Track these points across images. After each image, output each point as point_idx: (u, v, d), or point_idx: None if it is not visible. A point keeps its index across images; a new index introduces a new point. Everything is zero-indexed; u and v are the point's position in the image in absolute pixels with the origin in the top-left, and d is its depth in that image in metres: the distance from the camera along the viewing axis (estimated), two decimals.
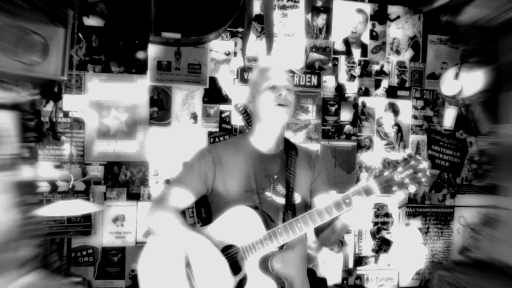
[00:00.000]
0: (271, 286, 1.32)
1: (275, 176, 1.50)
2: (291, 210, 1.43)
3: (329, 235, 1.47)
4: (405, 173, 1.22)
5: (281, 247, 1.34)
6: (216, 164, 1.47)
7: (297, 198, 1.50)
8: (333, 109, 2.88)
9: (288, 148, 1.58)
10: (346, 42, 2.89)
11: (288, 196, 1.46)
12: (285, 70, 1.57)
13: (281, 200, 1.46)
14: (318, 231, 1.53)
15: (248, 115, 2.70)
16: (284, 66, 1.63)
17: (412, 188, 1.22)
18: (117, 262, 2.60)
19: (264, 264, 1.34)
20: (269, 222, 1.37)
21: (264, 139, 1.53)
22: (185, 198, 1.46)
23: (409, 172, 1.22)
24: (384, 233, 2.94)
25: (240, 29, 2.71)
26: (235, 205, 1.39)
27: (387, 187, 1.23)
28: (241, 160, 1.49)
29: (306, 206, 1.54)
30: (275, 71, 1.51)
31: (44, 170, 2.46)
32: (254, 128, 1.57)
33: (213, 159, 1.48)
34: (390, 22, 2.95)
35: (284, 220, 1.38)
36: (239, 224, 1.37)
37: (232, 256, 1.35)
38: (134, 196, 2.61)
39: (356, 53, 2.91)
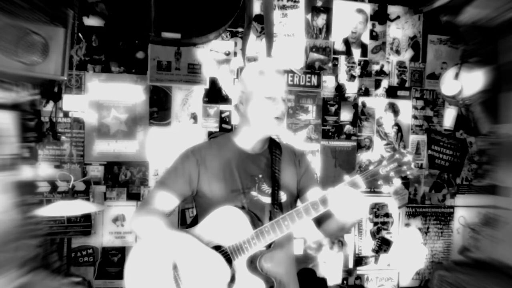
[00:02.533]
0: (260, 286, 1.31)
1: (260, 175, 1.48)
2: (278, 208, 1.42)
3: (334, 229, 1.42)
4: (389, 167, 1.22)
5: (269, 246, 1.33)
6: (200, 165, 1.46)
7: (283, 197, 1.48)
8: (333, 109, 2.88)
9: (273, 147, 1.56)
10: (346, 42, 2.89)
11: (274, 195, 1.45)
12: (283, 75, 1.51)
13: (267, 199, 1.45)
14: (319, 222, 1.49)
15: None
16: (282, 68, 1.58)
17: (398, 182, 1.23)
18: (117, 262, 2.60)
19: (253, 264, 1.33)
20: (256, 222, 1.36)
21: (250, 140, 1.51)
22: (169, 201, 1.44)
23: (394, 165, 1.22)
24: (384, 233, 2.94)
25: (240, 29, 2.71)
26: (221, 206, 1.37)
27: (372, 181, 1.23)
28: (226, 160, 1.48)
29: (293, 203, 1.53)
30: (274, 79, 1.45)
31: (44, 170, 2.46)
32: (239, 128, 1.54)
33: (197, 161, 1.46)
34: (390, 22, 2.95)
35: (271, 219, 1.37)
36: (226, 224, 1.35)
37: None
38: (134, 196, 2.61)
39: (356, 53, 2.91)
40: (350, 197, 1.22)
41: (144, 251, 1.44)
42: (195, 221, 1.53)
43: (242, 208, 1.38)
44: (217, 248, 1.34)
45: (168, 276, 1.36)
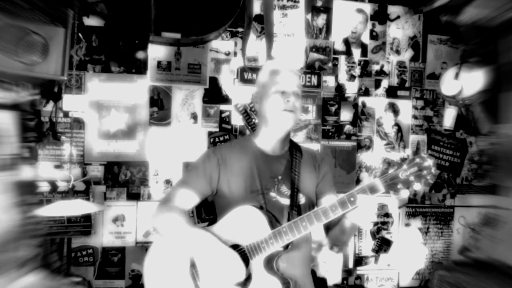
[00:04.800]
0: (276, 286, 1.32)
1: (280, 177, 1.50)
2: (296, 210, 1.43)
3: (338, 234, 1.46)
4: (410, 171, 1.23)
5: (286, 247, 1.34)
6: (220, 165, 1.48)
7: (302, 199, 1.50)
8: (333, 109, 2.88)
9: (293, 149, 1.58)
10: (346, 42, 2.89)
11: (293, 196, 1.46)
12: (295, 73, 1.54)
13: (286, 201, 1.47)
14: (328, 230, 1.53)
15: (248, 115, 2.70)
16: (295, 68, 1.61)
17: (418, 186, 1.22)
18: (117, 262, 2.60)
19: (269, 264, 1.34)
20: (274, 222, 1.38)
21: (269, 140, 1.53)
22: (190, 199, 1.47)
23: (414, 169, 1.22)
24: (384, 233, 2.94)
25: (240, 29, 2.71)
26: (239, 206, 1.39)
27: (392, 184, 1.24)
28: (246, 161, 1.50)
29: (311, 206, 1.54)
30: (286, 75, 1.49)
31: (44, 170, 2.46)
32: (259, 129, 1.57)
33: (218, 161, 1.49)
34: (390, 22, 2.95)
35: (289, 221, 1.38)
36: (244, 223, 1.37)
37: None
38: (134, 196, 2.61)
39: (356, 53, 2.91)
40: (370, 203, 1.24)
41: (163, 247, 1.47)
42: (214, 220, 1.55)
43: (261, 208, 1.40)
44: (235, 247, 1.36)
45: (186, 272, 1.39)
